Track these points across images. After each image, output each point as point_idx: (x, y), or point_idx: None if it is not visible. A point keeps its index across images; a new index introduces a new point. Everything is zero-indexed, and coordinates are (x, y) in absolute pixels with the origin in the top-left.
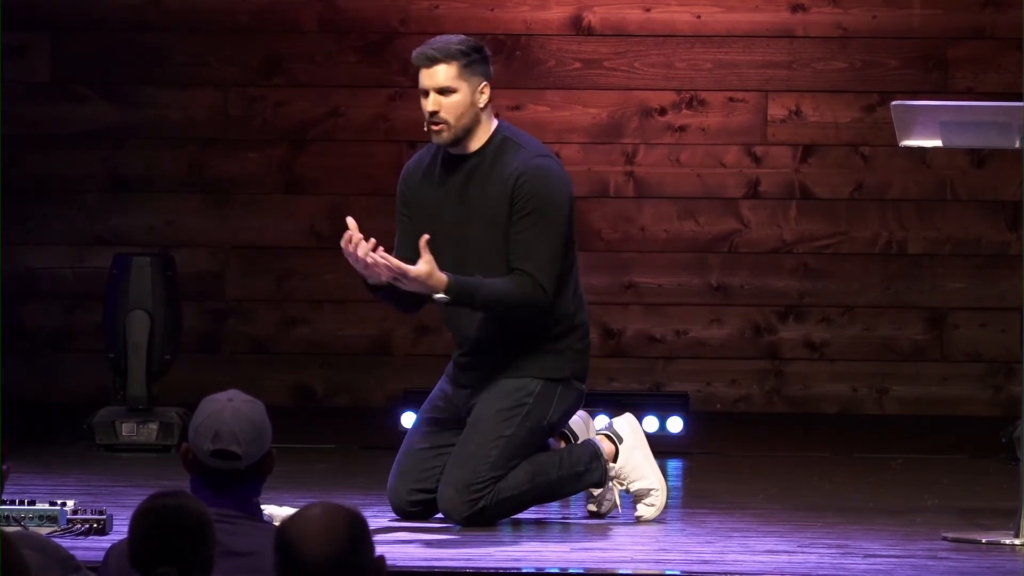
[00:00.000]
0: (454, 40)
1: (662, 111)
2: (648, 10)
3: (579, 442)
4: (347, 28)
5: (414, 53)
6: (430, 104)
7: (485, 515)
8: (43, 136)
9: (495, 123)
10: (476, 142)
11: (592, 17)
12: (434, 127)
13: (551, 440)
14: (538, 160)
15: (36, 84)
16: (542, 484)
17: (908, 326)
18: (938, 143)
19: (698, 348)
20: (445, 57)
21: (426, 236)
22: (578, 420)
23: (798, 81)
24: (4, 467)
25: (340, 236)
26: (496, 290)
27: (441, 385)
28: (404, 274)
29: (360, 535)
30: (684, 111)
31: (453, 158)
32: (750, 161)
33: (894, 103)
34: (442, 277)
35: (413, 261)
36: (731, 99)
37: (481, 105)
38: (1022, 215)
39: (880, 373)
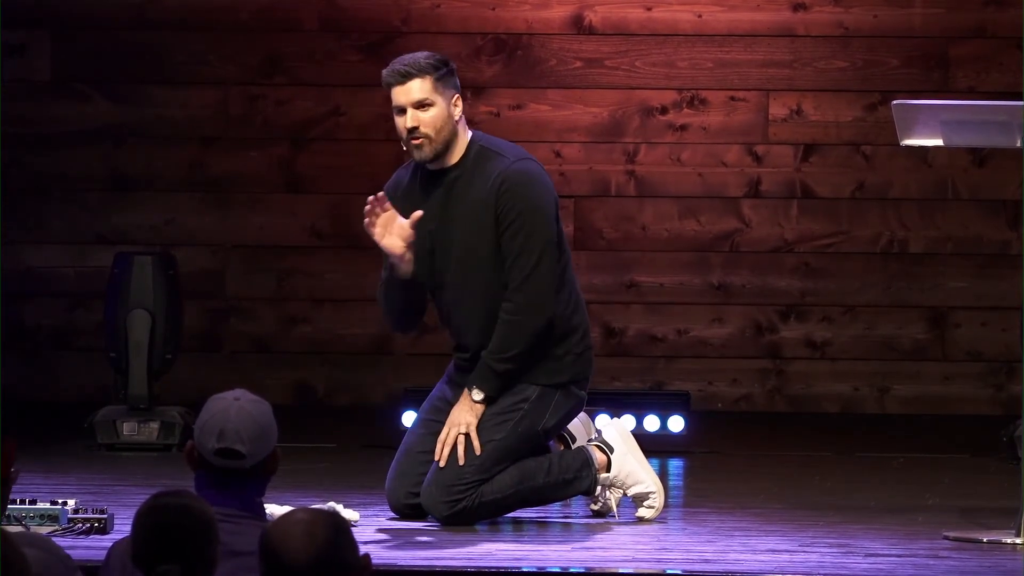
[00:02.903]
0: (421, 55)
1: (663, 110)
2: (649, 9)
3: (571, 449)
4: (348, 27)
5: (384, 73)
6: (409, 120)
7: (465, 516)
8: (44, 135)
9: (469, 134)
10: (455, 155)
11: (593, 16)
12: (414, 142)
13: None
14: (518, 164)
15: (37, 83)
16: (527, 489)
17: (909, 325)
18: (939, 142)
19: (699, 347)
20: (418, 72)
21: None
22: (577, 423)
23: (799, 80)
24: (12, 470)
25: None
26: (498, 345)
27: (440, 386)
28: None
29: (340, 535)
30: (685, 110)
31: (432, 174)
32: (751, 160)
33: (895, 102)
34: (464, 401)
35: (408, 278)
36: (732, 98)
37: (456, 117)
38: (1023, 214)
39: (881, 372)
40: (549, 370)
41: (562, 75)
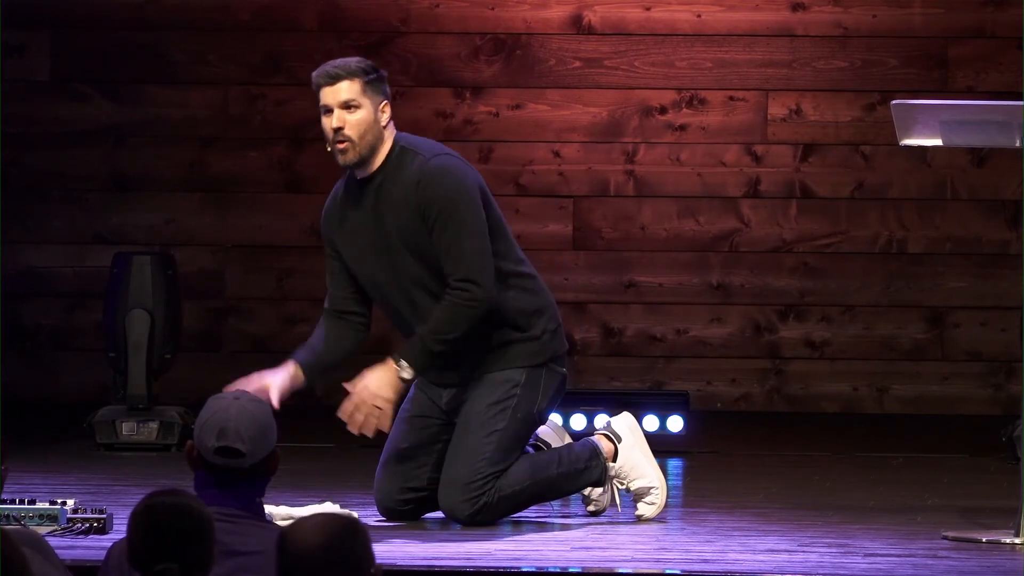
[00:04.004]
0: (353, 60)
1: (662, 110)
2: (648, 9)
3: (579, 441)
4: (348, 27)
5: (314, 74)
6: (334, 121)
7: (487, 513)
8: (43, 135)
9: (394, 138)
10: (378, 160)
11: (592, 16)
12: (339, 146)
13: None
14: (433, 160)
15: (36, 83)
16: (542, 481)
17: (908, 325)
18: (938, 142)
19: (698, 347)
20: (348, 74)
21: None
22: (548, 430)
23: (798, 80)
24: (3, 467)
25: None
26: (441, 324)
27: (419, 384)
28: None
29: (356, 536)
30: (684, 110)
31: (360, 183)
32: (750, 160)
33: (894, 102)
34: (388, 372)
35: (349, 300)
36: (731, 98)
37: (383, 123)
38: (1022, 214)
39: (880, 372)
40: (530, 351)
41: (561, 75)
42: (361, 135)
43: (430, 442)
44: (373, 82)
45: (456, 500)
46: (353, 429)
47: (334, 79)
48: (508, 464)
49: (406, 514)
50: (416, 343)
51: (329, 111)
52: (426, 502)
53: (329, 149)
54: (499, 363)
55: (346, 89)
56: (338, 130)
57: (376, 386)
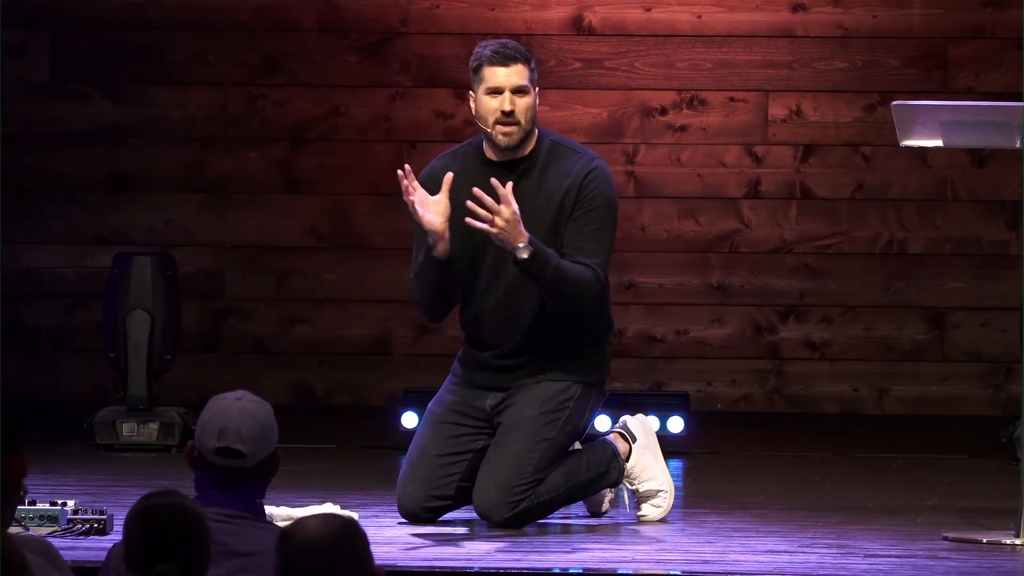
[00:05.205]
0: (518, 43)
1: (663, 111)
2: (649, 10)
3: (597, 441)
4: (347, 28)
5: (484, 53)
6: (506, 103)
7: (524, 517)
8: (43, 135)
9: (538, 130)
10: (528, 147)
11: (593, 17)
12: (506, 128)
13: None
14: (599, 163)
15: (36, 83)
16: (574, 486)
17: (908, 326)
18: (939, 143)
19: (699, 348)
20: (522, 58)
21: (511, 183)
22: None
23: (799, 81)
24: (23, 494)
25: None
26: (568, 266)
27: (453, 387)
28: (501, 207)
29: (357, 534)
30: (685, 111)
31: (495, 164)
32: (751, 161)
33: (895, 103)
34: (522, 234)
35: (445, 258)
36: (732, 99)
37: (536, 110)
38: (1022, 215)
39: (880, 373)
40: (590, 367)
41: (561, 76)
42: (528, 120)
43: (461, 451)
44: (535, 69)
45: (496, 501)
46: (482, 222)
47: (510, 60)
48: (548, 473)
49: (428, 520)
50: (549, 254)
51: (498, 92)
52: (449, 509)
53: (488, 129)
54: (559, 373)
55: (519, 73)
56: (510, 113)
57: (514, 223)
